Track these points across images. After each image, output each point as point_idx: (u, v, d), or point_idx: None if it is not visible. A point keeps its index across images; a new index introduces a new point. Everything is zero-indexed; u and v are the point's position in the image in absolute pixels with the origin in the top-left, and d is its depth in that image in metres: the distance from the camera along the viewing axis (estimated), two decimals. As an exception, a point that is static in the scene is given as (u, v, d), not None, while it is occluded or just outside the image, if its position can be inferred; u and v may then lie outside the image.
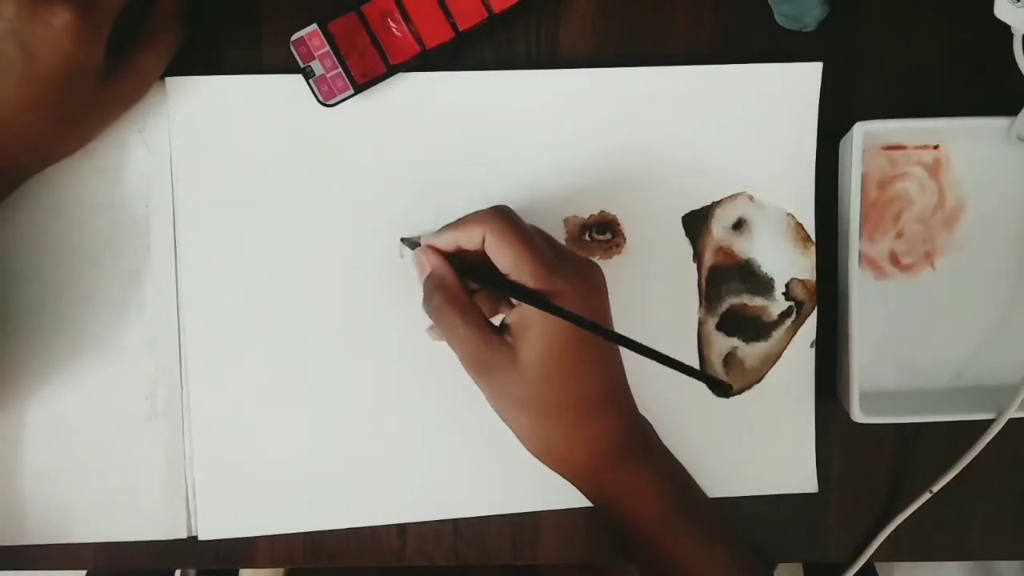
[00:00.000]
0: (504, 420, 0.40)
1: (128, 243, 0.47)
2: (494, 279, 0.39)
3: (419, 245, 0.41)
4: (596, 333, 0.37)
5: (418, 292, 0.41)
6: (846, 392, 0.46)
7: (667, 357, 0.36)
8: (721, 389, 0.36)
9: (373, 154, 0.47)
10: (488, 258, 0.39)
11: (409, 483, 0.48)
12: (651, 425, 0.43)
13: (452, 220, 0.41)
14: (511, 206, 0.40)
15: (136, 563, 0.48)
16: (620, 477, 0.41)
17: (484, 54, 0.48)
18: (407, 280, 0.47)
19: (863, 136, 0.45)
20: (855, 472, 0.50)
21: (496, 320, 0.41)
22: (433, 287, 0.40)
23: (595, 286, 0.40)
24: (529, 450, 0.40)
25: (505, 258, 0.38)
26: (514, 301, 0.39)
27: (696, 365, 0.49)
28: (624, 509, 0.41)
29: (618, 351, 0.41)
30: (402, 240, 0.47)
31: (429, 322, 0.41)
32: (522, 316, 0.38)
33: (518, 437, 0.40)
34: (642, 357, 0.36)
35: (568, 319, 0.37)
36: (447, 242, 0.40)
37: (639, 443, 0.41)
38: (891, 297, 0.49)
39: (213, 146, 0.47)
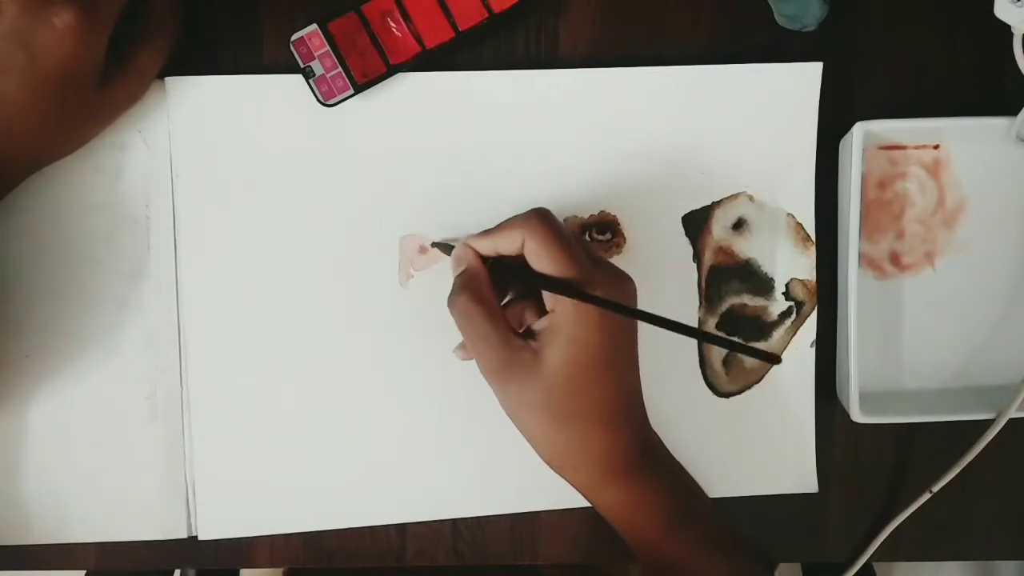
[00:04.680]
0: (517, 424, 0.40)
1: (128, 243, 0.47)
2: (529, 276, 0.39)
3: (452, 249, 0.41)
4: (639, 319, 0.38)
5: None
6: (846, 392, 0.46)
7: (713, 335, 0.38)
8: (770, 359, 0.37)
9: (373, 154, 0.47)
10: (525, 261, 0.39)
11: (409, 483, 0.48)
12: (659, 438, 0.43)
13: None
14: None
15: (136, 563, 0.48)
16: (627, 487, 0.41)
17: (484, 54, 0.48)
18: (407, 280, 0.47)
19: (863, 136, 0.45)
20: (855, 472, 0.50)
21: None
22: (462, 284, 0.40)
23: (627, 295, 0.40)
24: (540, 455, 0.40)
25: (544, 262, 0.38)
26: (546, 304, 0.39)
27: (695, 365, 0.49)
28: (628, 518, 0.41)
29: (637, 365, 0.41)
30: (434, 244, 0.46)
31: (444, 337, 0.40)
32: (552, 322, 0.38)
33: (530, 442, 0.40)
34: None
35: (608, 308, 0.37)
36: (486, 247, 0.40)
37: (648, 456, 0.42)
38: (891, 297, 0.49)
39: (213, 146, 0.47)
